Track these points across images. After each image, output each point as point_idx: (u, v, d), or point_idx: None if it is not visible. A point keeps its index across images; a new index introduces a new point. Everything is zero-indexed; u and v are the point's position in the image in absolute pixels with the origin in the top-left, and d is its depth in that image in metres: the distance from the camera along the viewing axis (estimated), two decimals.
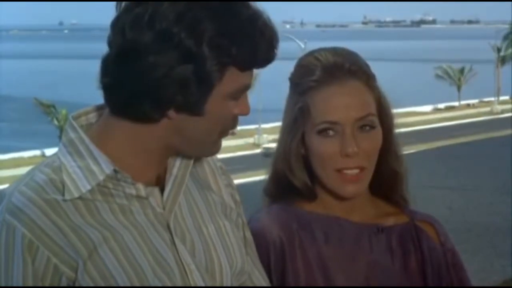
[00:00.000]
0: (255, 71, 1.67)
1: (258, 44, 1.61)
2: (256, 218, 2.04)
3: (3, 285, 1.61)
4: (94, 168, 1.65)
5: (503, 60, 72.75)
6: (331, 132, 1.99)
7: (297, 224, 2.03)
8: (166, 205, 1.71)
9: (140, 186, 1.68)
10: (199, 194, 1.79)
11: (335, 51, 2.04)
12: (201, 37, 1.56)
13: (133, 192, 1.67)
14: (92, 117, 1.73)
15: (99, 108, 1.73)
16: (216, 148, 1.72)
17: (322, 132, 2.00)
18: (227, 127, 1.69)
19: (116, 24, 1.60)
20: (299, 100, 2.02)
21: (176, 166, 1.75)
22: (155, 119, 1.63)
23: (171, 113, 1.62)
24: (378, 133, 2.02)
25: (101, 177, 1.64)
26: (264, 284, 1.90)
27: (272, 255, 1.99)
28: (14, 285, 1.60)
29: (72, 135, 1.69)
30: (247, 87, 1.66)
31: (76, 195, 1.63)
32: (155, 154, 1.69)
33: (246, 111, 1.69)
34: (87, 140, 1.68)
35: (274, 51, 1.65)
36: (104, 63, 1.62)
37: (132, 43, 1.57)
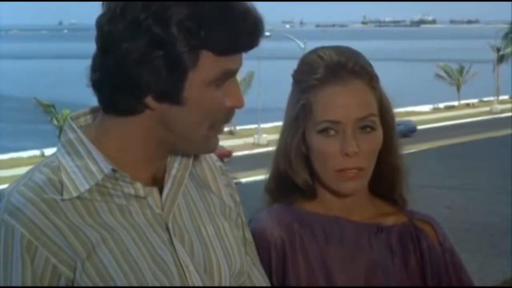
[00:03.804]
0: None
1: (235, 29, 1.60)
2: (257, 218, 2.04)
3: (2, 285, 1.61)
4: (93, 167, 1.65)
5: (501, 58, 72.78)
6: (332, 132, 1.99)
7: (298, 224, 2.03)
8: (165, 205, 1.71)
9: (139, 185, 1.68)
10: (198, 195, 1.79)
11: (338, 50, 2.04)
12: (168, 22, 1.57)
13: (132, 191, 1.67)
14: (90, 118, 1.74)
15: (96, 109, 1.74)
16: (211, 144, 1.71)
17: (323, 131, 2.00)
18: (218, 120, 1.67)
19: (97, 21, 1.64)
20: (301, 97, 2.02)
21: (175, 167, 1.74)
22: (138, 110, 1.63)
23: (151, 102, 1.62)
24: (378, 134, 2.02)
25: (99, 177, 1.64)
26: (264, 284, 1.90)
27: (273, 255, 1.99)
28: (13, 285, 1.60)
29: (70, 135, 1.70)
30: (229, 72, 1.65)
31: (75, 194, 1.63)
32: (149, 150, 1.69)
33: (238, 103, 1.68)
34: (85, 140, 1.68)
35: (256, 36, 1.64)
36: (92, 61, 1.65)
37: (108, 35, 1.61)
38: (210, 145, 1.71)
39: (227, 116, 1.68)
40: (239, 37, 1.61)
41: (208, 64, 1.61)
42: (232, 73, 1.66)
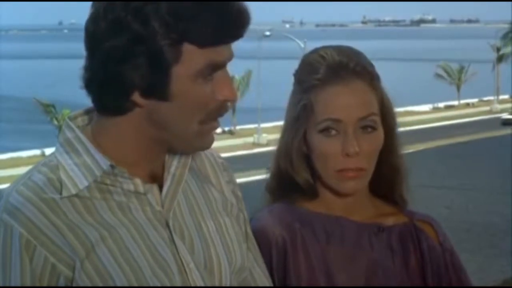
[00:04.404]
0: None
1: (215, 20, 1.60)
2: (258, 217, 2.04)
3: (1, 285, 1.61)
4: (91, 164, 1.65)
5: (501, 58, 72.81)
6: (333, 132, 2.00)
7: (299, 223, 2.03)
8: (165, 203, 1.71)
9: (138, 181, 1.68)
10: (199, 191, 1.79)
11: (340, 50, 2.04)
12: (147, 17, 1.58)
13: (131, 187, 1.67)
14: (87, 118, 1.75)
15: (92, 110, 1.74)
16: (205, 141, 1.70)
17: (324, 131, 2.00)
18: (209, 115, 1.66)
19: (85, 23, 1.66)
20: (302, 97, 2.02)
21: (174, 164, 1.74)
22: (127, 108, 1.64)
23: (138, 99, 1.62)
24: (379, 135, 2.02)
25: (98, 173, 1.64)
26: (265, 281, 1.89)
27: (274, 254, 1.99)
28: (12, 285, 1.60)
29: (68, 134, 1.70)
30: (215, 65, 1.64)
31: (74, 191, 1.63)
32: (144, 148, 1.69)
33: (229, 96, 1.66)
34: (83, 138, 1.69)
35: (238, 27, 1.64)
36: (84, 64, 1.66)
37: (92, 35, 1.62)
38: (204, 142, 1.70)
39: (219, 110, 1.67)
40: (220, 28, 1.61)
41: (191, 57, 1.61)
42: (219, 65, 1.65)
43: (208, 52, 1.62)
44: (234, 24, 1.63)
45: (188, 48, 1.60)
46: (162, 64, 1.60)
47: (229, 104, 1.69)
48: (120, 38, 1.59)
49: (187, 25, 1.59)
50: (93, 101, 1.67)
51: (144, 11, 1.58)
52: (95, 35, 1.62)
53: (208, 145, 1.72)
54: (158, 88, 1.61)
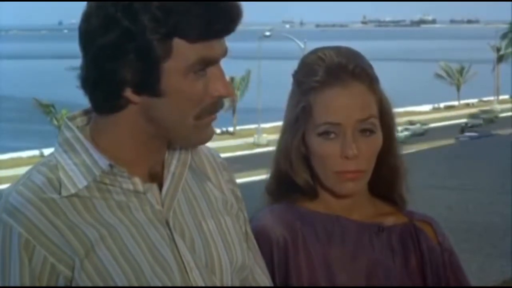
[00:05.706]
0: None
1: (205, 15, 1.60)
2: (259, 217, 2.04)
3: (0, 285, 1.61)
4: (90, 164, 1.66)
5: (501, 58, 72.86)
6: (332, 135, 2.00)
7: (300, 223, 2.03)
8: (165, 202, 1.71)
9: (137, 180, 1.68)
10: (199, 190, 1.79)
11: (339, 51, 2.04)
12: (136, 13, 1.58)
13: (131, 187, 1.67)
14: (86, 119, 1.75)
15: (91, 110, 1.74)
16: (203, 135, 1.69)
17: (323, 134, 2.00)
18: (204, 110, 1.65)
19: (79, 23, 1.66)
20: (301, 99, 2.02)
21: (174, 163, 1.74)
22: (121, 106, 1.64)
23: (131, 95, 1.62)
24: (378, 138, 2.02)
25: (97, 172, 1.64)
26: (266, 280, 1.89)
27: (275, 254, 1.99)
28: (11, 285, 1.60)
29: (67, 134, 1.70)
30: (207, 60, 1.63)
31: (73, 191, 1.63)
32: (141, 145, 1.68)
33: (223, 91, 1.66)
34: (82, 138, 1.69)
35: (229, 22, 1.63)
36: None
37: (85, 33, 1.63)
38: (202, 137, 1.70)
39: (213, 106, 1.67)
40: (210, 23, 1.60)
41: (182, 52, 1.60)
42: (211, 61, 1.64)
43: (199, 47, 1.61)
44: (224, 18, 1.62)
45: (178, 43, 1.60)
46: (152, 59, 1.60)
47: (224, 100, 1.69)
48: (111, 35, 1.59)
49: (177, 19, 1.58)
50: (90, 100, 1.67)
51: (133, 6, 1.58)
52: (88, 33, 1.62)
53: (207, 139, 1.71)
54: (149, 84, 1.61)
